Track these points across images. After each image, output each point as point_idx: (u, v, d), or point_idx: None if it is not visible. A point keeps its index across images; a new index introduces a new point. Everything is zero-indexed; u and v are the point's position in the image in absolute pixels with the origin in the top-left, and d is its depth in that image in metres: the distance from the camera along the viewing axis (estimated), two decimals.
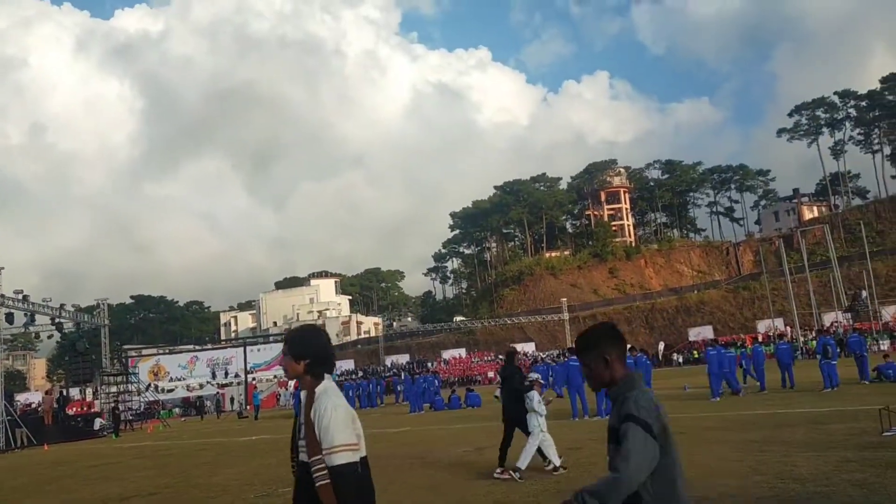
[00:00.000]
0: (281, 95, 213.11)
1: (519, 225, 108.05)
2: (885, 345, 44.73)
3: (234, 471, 13.80)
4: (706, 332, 63.67)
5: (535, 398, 9.95)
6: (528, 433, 9.87)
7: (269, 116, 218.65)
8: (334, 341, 76.99)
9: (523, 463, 9.57)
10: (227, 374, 59.77)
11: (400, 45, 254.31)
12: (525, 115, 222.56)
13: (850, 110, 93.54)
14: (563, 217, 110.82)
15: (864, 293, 51.16)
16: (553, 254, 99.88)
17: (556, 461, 9.86)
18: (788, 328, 54.30)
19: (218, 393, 57.93)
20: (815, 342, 26.65)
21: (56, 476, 16.67)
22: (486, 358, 68.03)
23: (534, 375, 10.58)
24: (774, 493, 6.96)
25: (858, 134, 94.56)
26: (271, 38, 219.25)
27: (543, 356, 51.15)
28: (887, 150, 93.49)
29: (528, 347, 67.17)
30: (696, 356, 58.32)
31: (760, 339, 52.31)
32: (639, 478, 2.59)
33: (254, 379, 57.01)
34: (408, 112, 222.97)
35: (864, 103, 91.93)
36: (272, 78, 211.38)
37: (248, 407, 46.46)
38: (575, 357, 13.91)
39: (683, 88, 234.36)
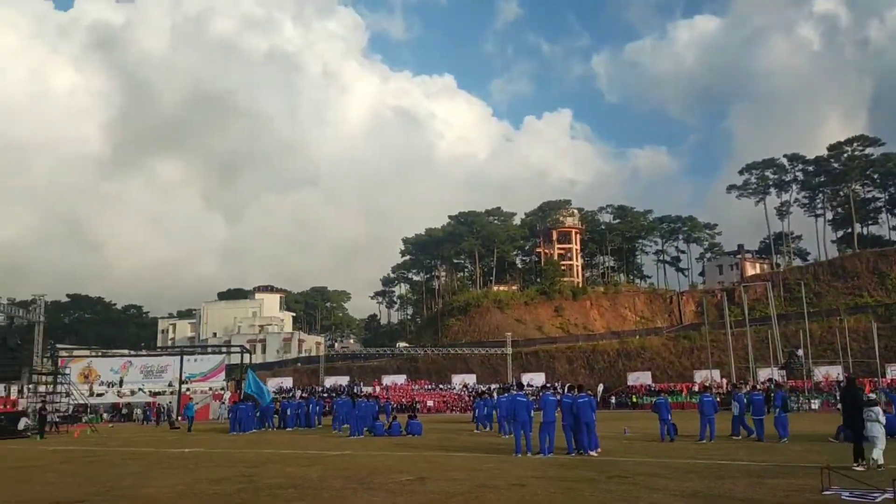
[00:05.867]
0: (240, 104, 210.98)
1: (470, 256, 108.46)
2: (816, 404, 46.26)
3: (165, 483, 13.32)
4: (645, 378, 64.57)
5: (878, 411, 13.44)
6: (866, 438, 13.29)
7: (227, 125, 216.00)
8: (275, 357, 75.70)
9: (878, 457, 12.91)
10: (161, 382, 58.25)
11: (366, 65, 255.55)
12: (485, 147, 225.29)
13: (798, 174, 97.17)
14: (514, 252, 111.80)
15: (800, 351, 52.69)
16: (501, 287, 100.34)
17: (881, 461, 12.95)
18: (724, 380, 55.53)
19: (150, 404, 56.21)
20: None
21: None
22: (426, 386, 67.59)
23: (873, 395, 14.66)
24: None
25: (804, 197, 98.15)
26: (239, 44, 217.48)
27: (487, 389, 51.02)
28: (829, 216, 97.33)
29: (468, 379, 67.09)
30: (634, 401, 59.07)
31: (698, 388, 53.32)
32: None
33: (188, 389, 55.51)
34: (368, 133, 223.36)
35: (810, 168, 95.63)
36: (234, 86, 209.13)
37: (179, 418, 45.11)
38: (522, 392, 13.98)
39: (645, 135, 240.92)
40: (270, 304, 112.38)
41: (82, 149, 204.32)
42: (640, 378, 64.80)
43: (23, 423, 35.08)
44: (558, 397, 19.26)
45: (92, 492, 12.29)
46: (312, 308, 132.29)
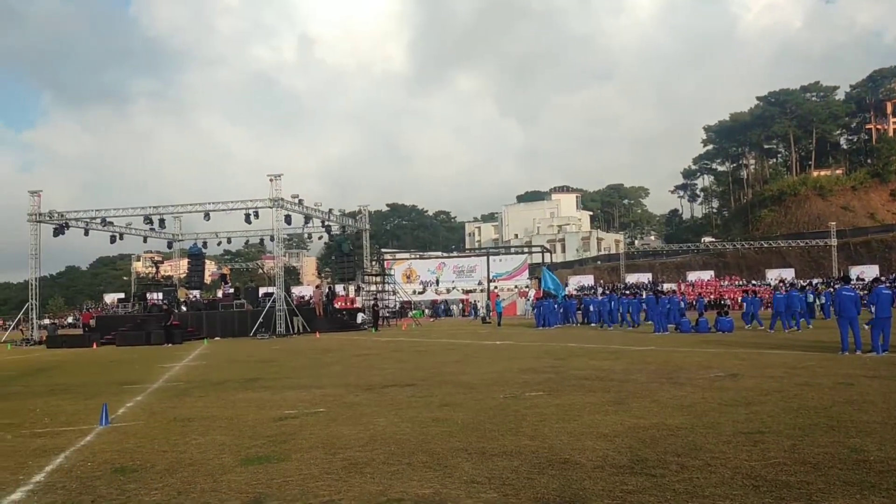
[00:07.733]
0: (530, 3, 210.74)
1: (783, 140, 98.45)
2: None
3: (481, 371, 14.39)
4: None
5: None
6: None
7: (518, 27, 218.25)
8: (574, 256, 77.38)
9: None
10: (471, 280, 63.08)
11: None
12: (799, 14, 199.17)
13: None
14: (838, 131, 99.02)
15: None
16: (822, 172, 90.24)
17: None
18: None
19: (463, 301, 61.11)
20: None
21: (328, 361, 18.71)
22: (737, 282, 64.00)
23: None
24: None
25: None
26: None
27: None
28: None
29: (786, 274, 62.11)
30: None
31: None
32: None
33: (496, 287, 59.12)
34: (662, 16, 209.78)
35: None
36: None
37: (490, 313, 48.35)
38: (848, 286, 12.35)
39: None
40: (567, 204, 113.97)
41: (390, 69, 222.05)
42: None
43: (360, 317, 40.50)
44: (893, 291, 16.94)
45: (419, 377, 13.74)
46: (609, 206, 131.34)
